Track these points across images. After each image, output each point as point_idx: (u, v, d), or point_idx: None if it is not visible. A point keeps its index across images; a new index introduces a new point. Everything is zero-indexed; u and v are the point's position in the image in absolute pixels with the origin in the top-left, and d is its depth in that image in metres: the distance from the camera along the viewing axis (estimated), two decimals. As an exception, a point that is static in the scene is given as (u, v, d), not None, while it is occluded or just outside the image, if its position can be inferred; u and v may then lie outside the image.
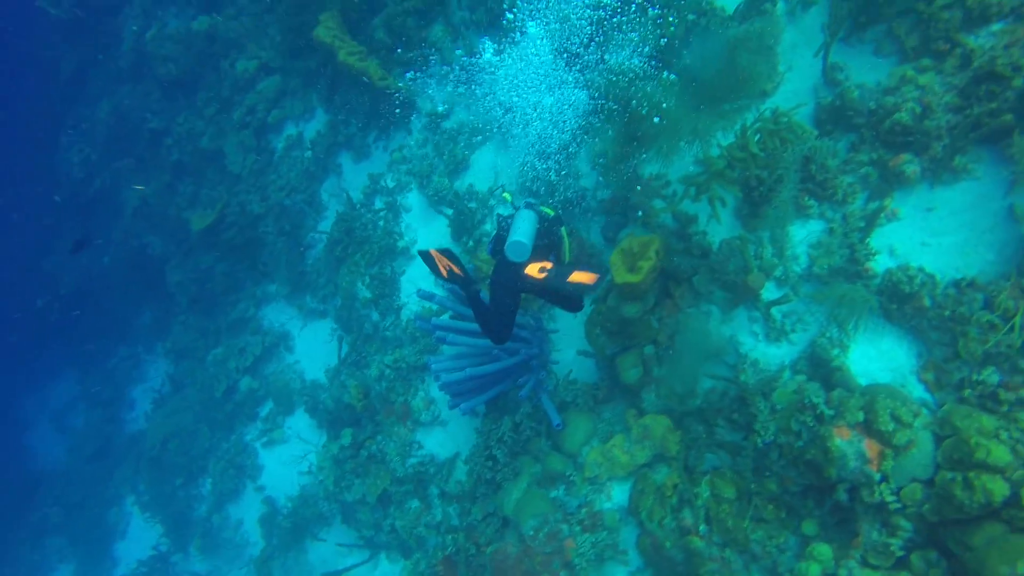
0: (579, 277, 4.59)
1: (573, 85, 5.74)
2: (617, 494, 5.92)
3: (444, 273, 5.23)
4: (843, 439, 4.16)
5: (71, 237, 13.84)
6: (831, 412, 4.30)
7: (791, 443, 4.55)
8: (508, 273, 4.86)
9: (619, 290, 5.53)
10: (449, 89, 8.04)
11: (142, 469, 12.20)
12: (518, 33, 5.83)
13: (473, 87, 6.65)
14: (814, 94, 5.39)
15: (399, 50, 8.37)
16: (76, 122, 13.57)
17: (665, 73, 5.33)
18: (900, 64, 4.90)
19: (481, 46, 6.18)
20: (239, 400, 10.54)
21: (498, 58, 6.01)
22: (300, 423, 9.71)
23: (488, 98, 6.34)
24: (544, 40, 5.71)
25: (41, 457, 17.62)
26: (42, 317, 17.46)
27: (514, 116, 6.12)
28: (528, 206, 5.06)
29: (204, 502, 10.85)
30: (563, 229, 5.35)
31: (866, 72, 5.14)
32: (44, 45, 14.60)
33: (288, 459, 9.49)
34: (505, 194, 5.99)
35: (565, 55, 5.86)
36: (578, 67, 5.82)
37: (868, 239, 4.66)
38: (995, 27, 4.54)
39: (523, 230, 4.79)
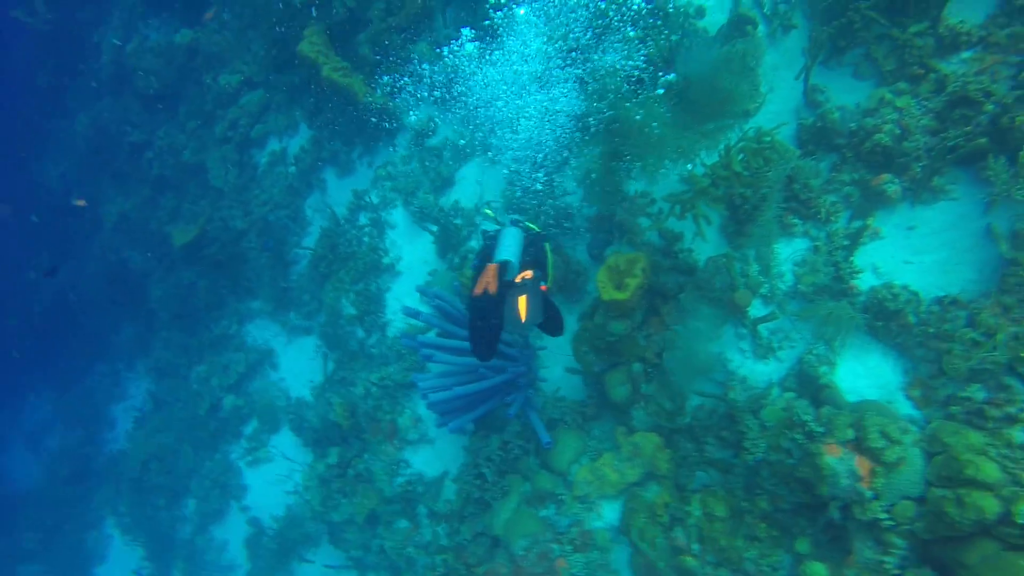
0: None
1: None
2: (608, 513, 5.91)
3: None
4: (834, 456, 4.19)
5: (49, 251, 13.59)
6: (821, 429, 4.33)
7: (782, 460, 4.57)
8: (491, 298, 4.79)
9: (606, 307, 5.55)
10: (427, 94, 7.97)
11: (123, 490, 11.95)
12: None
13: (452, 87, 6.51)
14: (796, 115, 5.47)
15: (383, 66, 8.35)
16: (54, 135, 13.33)
17: (648, 92, 5.38)
18: (878, 87, 4.99)
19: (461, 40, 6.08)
20: (223, 418, 10.38)
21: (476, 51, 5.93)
22: (285, 441, 9.57)
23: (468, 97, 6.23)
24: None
25: (16, 480, 17.17)
26: (17, 334, 17.08)
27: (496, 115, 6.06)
28: (514, 223, 5.04)
29: (188, 523, 10.64)
30: (547, 245, 5.34)
31: (846, 94, 5.23)
32: (20, 57, 14.36)
33: (274, 478, 9.35)
34: (487, 210, 5.98)
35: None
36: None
37: (852, 257, 4.72)
38: (965, 55, 4.67)
39: (510, 249, 4.75)
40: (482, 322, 4.82)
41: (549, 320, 4.96)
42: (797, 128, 5.42)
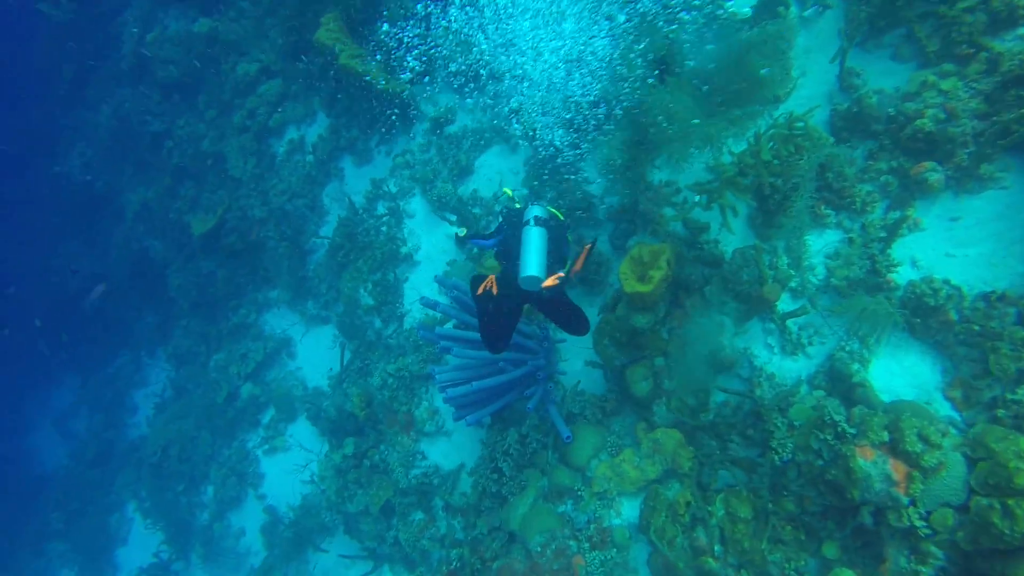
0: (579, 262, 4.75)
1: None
2: (627, 510, 5.76)
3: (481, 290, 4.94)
4: (867, 459, 3.99)
5: (74, 239, 13.76)
6: (853, 430, 4.13)
7: (810, 462, 4.38)
8: (514, 299, 4.65)
9: (629, 300, 5.37)
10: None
11: (143, 475, 12.08)
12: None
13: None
14: (829, 100, 5.22)
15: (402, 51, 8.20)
16: (77, 125, 13.44)
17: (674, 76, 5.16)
18: (920, 69, 4.72)
19: None
20: (241, 407, 10.40)
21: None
22: (302, 431, 9.56)
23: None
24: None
25: (43, 461, 17.57)
26: (45, 320, 17.36)
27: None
28: (537, 222, 4.78)
29: (205, 510, 10.72)
30: (568, 235, 5.18)
31: (883, 78, 4.97)
32: (44, 48, 14.49)
33: (290, 467, 9.35)
34: (507, 189, 5.79)
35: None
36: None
37: (890, 250, 4.48)
38: (1023, 30, 4.36)
39: (534, 260, 4.54)
40: (490, 318, 4.72)
41: (573, 319, 4.80)
42: (831, 114, 5.17)
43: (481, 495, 6.59)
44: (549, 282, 4.51)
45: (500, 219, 5.27)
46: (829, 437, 4.22)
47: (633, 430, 5.91)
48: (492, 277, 4.68)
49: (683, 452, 5.40)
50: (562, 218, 5.03)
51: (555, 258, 4.78)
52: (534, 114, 6.10)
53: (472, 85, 7.85)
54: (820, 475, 4.31)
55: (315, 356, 9.80)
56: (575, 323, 4.84)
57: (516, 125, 6.94)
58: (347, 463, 8.04)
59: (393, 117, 8.52)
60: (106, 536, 12.85)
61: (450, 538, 6.98)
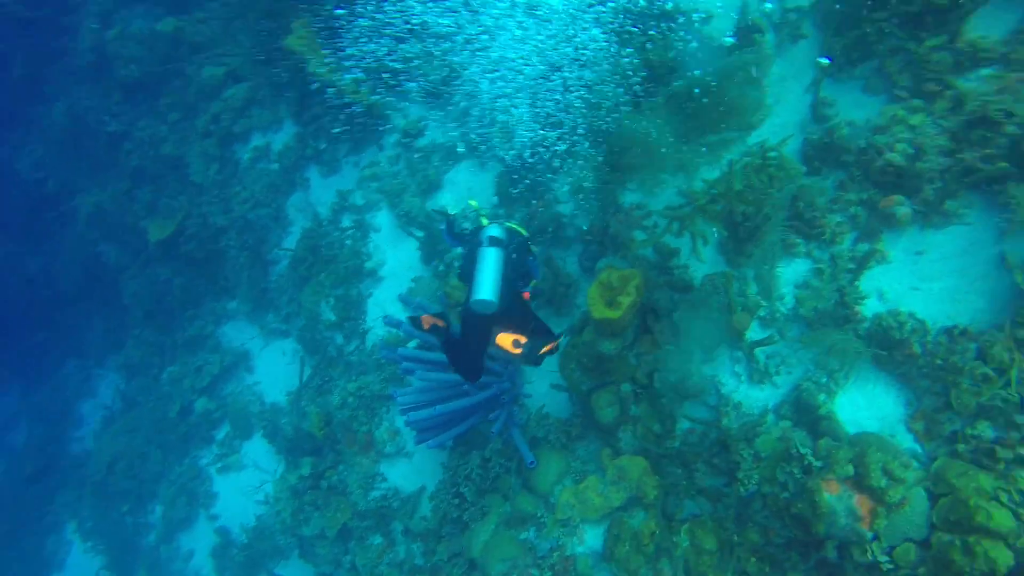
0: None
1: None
2: (590, 538, 5.63)
3: (427, 327, 4.83)
4: (832, 494, 3.94)
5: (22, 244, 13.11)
6: (819, 463, 4.09)
7: (776, 494, 4.33)
8: (477, 321, 4.52)
9: (596, 325, 5.27)
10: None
11: (86, 493, 11.45)
12: None
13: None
14: (802, 129, 5.24)
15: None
16: (29, 120, 12.81)
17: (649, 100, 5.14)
18: (890, 103, 4.78)
19: None
20: (194, 422, 9.98)
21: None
22: (258, 448, 9.19)
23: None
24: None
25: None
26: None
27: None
28: (492, 242, 4.63)
29: (153, 531, 10.20)
30: (534, 249, 5.10)
31: (855, 109, 5.02)
32: (-1, 41, 13.86)
33: (244, 486, 8.96)
34: (472, 202, 5.64)
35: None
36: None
37: (858, 282, 4.49)
38: (985, 71, 4.45)
39: (487, 283, 4.41)
40: (457, 346, 4.60)
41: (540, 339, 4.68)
42: (803, 143, 5.19)
43: (442, 520, 6.38)
44: (509, 337, 4.43)
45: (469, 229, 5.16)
46: (795, 470, 4.17)
47: (598, 456, 5.80)
48: (428, 316, 4.73)
49: (648, 480, 5.30)
50: (524, 233, 4.92)
51: (517, 274, 4.68)
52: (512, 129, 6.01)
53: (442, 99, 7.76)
54: (785, 507, 4.25)
55: (274, 371, 9.46)
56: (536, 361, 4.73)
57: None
58: (304, 484, 7.73)
59: (364, 126, 8.33)
60: (40, 561, 12.10)
61: (409, 564, 6.74)
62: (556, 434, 6.03)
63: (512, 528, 5.94)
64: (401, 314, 7.25)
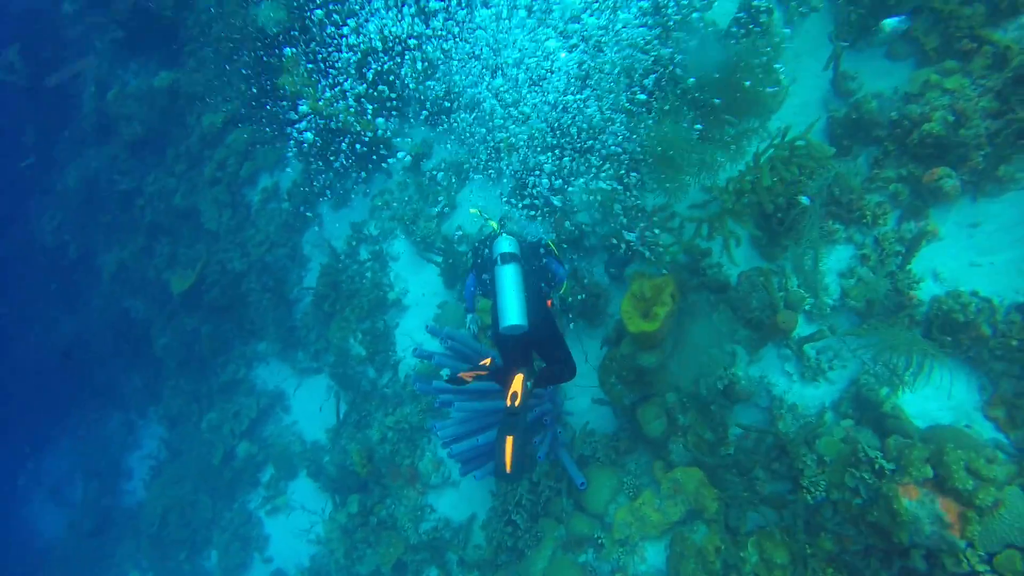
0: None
1: None
2: (652, 555, 5.41)
3: (470, 380, 4.71)
4: (912, 499, 3.67)
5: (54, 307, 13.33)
6: (891, 466, 3.81)
7: (847, 500, 4.06)
8: (513, 344, 4.38)
9: (633, 338, 5.04)
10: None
11: (143, 545, 11.58)
12: None
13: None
14: (824, 106, 4.94)
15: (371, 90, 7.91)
16: (45, 189, 13.00)
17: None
18: (919, 67, 4.44)
19: None
20: (238, 467, 9.98)
21: None
22: (304, 488, 9.15)
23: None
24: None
25: (41, 532, 16.96)
26: (33, 386, 16.90)
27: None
28: (505, 259, 4.43)
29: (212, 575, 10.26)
30: (550, 243, 4.92)
31: (880, 78, 4.70)
32: (4, 114, 14.09)
33: (295, 528, 8.93)
34: (473, 210, 5.48)
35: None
36: None
37: (909, 265, 4.18)
38: (1025, 18, 4.09)
39: (513, 306, 4.24)
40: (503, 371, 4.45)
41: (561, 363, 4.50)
42: (828, 121, 4.89)
43: (496, 549, 6.22)
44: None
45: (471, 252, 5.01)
46: (866, 475, 3.89)
47: (650, 469, 5.58)
48: (464, 373, 4.68)
49: (706, 492, 5.06)
50: (537, 235, 4.74)
51: (541, 280, 4.54)
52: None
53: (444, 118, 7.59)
54: (860, 515, 3.98)
55: (310, 408, 9.40)
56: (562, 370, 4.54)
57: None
58: (353, 522, 7.65)
59: (370, 155, 8.21)
60: (109, 612, 12.33)
61: (470, 593, 6.60)
62: (604, 450, 5.83)
63: (569, 552, 5.77)
64: (429, 344, 7.10)
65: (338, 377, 8.62)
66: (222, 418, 10.36)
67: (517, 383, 4.37)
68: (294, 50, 7.46)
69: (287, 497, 9.27)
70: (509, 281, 4.30)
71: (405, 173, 8.19)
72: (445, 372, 6.59)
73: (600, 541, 5.59)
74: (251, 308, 9.91)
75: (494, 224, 5.19)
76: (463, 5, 5.54)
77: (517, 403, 4.27)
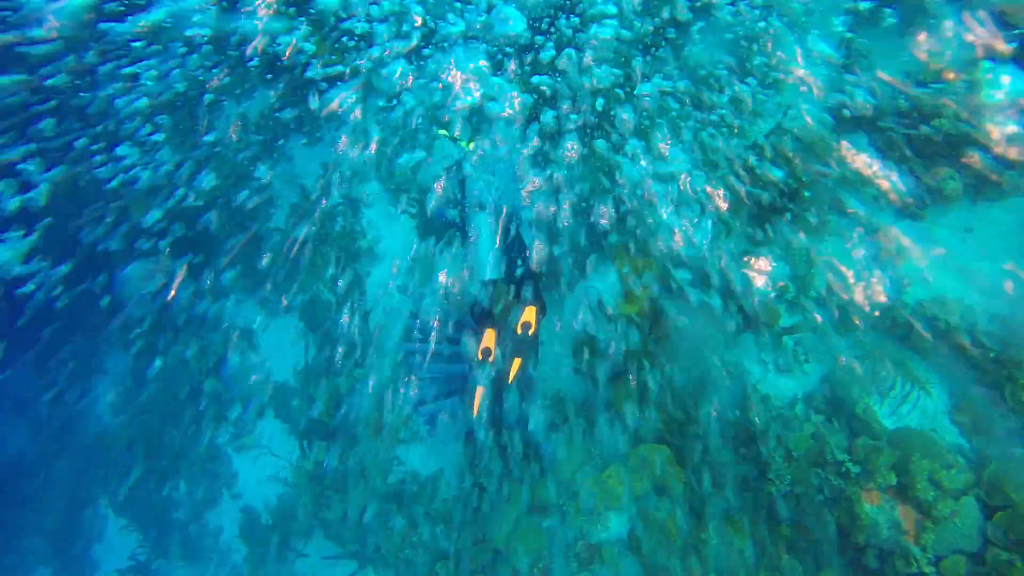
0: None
1: None
2: (614, 525, 5.53)
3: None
4: (873, 504, 3.72)
5: None
6: (857, 469, 3.84)
7: (811, 496, 4.12)
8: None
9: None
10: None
11: (111, 472, 11.66)
12: None
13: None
14: (832, 84, 4.63)
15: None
16: None
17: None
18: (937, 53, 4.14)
19: None
20: (205, 403, 9.89)
21: None
22: (271, 428, 9.13)
23: None
24: None
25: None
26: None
27: None
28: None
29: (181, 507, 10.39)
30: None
31: (891, 59, 4.38)
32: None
33: (262, 467, 8.99)
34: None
35: None
36: None
37: (900, 266, 4.06)
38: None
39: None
40: None
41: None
42: (835, 103, 4.60)
43: (463, 509, 6.31)
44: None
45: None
46: (831, 477, 3.93)
47: (618, 441, 5.60)
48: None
49: (672, 471, 5.12)
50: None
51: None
52: None
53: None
54: (820, 510, 4.05)
55: (278, 348, 9.24)
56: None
57: None
58: (320, 470, 7.69)
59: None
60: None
61: (433, 546, 6.75)
62: (575, 420, 5.83)
63: (535, 516, 5.87)
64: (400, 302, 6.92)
65: (307, 320, 8.42)
66: (189, 352, 10.17)
67: (488, 339, 4.19)
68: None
69: (255, 437, 9.26)
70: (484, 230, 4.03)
71: (381, 114, 7.68)
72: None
73: (565, 508, 5.68)
74: (217, 242, 9.50)
75: (465, 144, 4.71)
76: None
77: (491, 359, 4.11)
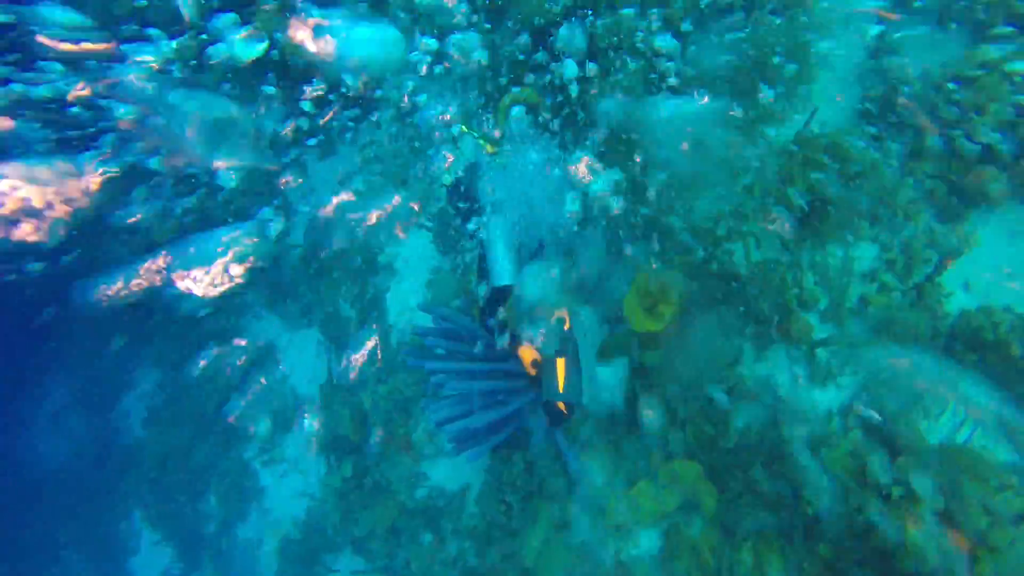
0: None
1: None
2: (645, 541, 5.40)
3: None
4: (920, 529, 3.52)
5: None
6: (901, 491, 3.65)
7: (850, 516, 3.94)
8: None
9: (638, 337, 4.78)
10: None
11: (144, 485, 11.86)
12: None
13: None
14: (859, 81, 4.41)
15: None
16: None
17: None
18: (975, 43, 3.90)
19: None
20: (231, 417, 9.98)
21: None
22: (298, 442, 9.17)
23: None
24: None
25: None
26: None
27: None
28: (498, 208, 3.95)
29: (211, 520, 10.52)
30: None
31: (925, 52, 4.15)
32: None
33: (290, 482, 9.04)
34: (463, 127, 4.94)
35: None
36: None
37: (940, 277, 3.84)
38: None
39: (504, 264, 3.88)
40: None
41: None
42: (860, 98, 4.39)
43: (490, 525, 6.23)
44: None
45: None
46: (873, 498, 3.74)
47: (647, 454, 5.46)
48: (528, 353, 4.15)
49: (703, 487, 4.96)
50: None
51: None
52: None
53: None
54: (863, 532, 3.87)
55: (301, 362, 9.27)
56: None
57: None
58: (347, 485, 7.68)
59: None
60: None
61: (462, 563, 6.69)
62: (601, 434, 5.70)
63: (563, 532, 5.76)
64: (422, 316, 6.84)
65: (329, 335, 8.41)
66: (214, 367, 10.27)
67: (527, 353, 4.10)
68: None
69: (282, 450, 9.31)
70: (496, 232, 3.87)
71: (395, 122, 7.60)
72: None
73: (595, 525, 5.57)
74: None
75: (485, 145, 4.55)
76: None
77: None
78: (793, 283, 4.43)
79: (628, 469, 5.55)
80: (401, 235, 7.22)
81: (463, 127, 4.88)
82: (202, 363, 10.73)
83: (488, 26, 5.03)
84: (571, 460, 5.41)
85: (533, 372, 4.10)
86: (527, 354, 4.20)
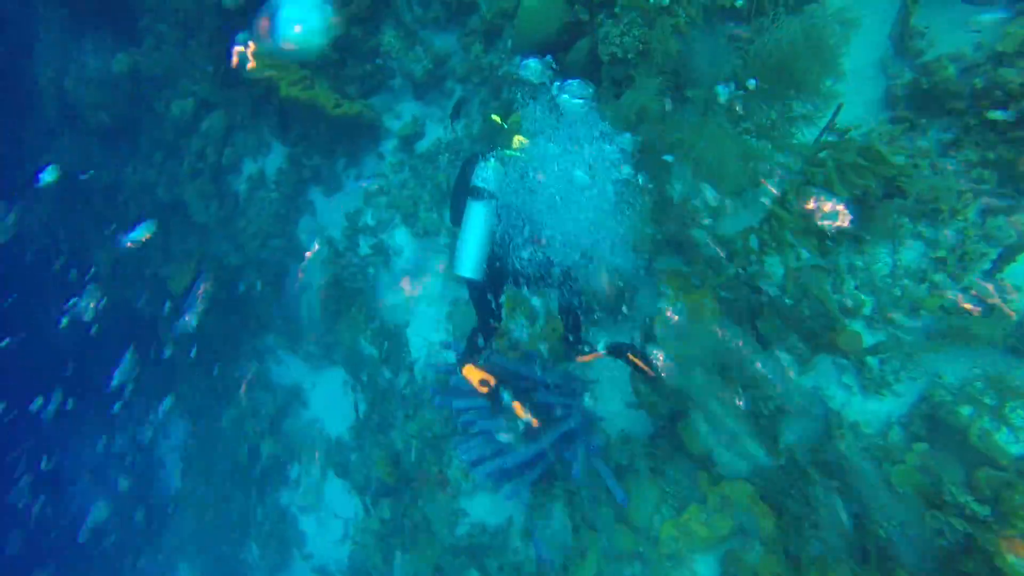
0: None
1: None
2: (703, 568, 5.13)
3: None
4: (1019, 556, 3.23)
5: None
6: (987, 511, 3.36)
7: (929, 539, 3.64)
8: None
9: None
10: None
11: (186, 538, 11.84)
12: None
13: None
14: (882, 69, 4.13)
15: (348, 65, 7.05)
16: (16, 188, 12.13)
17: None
18: (1015, 16, 3.60)
19: None
20: (265, 464, 9.89)
21: None
22: (333, 487, 9.03)
23: None
24: None
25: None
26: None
27: None
28: (477, 194, 3.65)
29: (255, 570, 10.42)
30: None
31: (956, 32, 3.86)
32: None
33: (329, 527, 8.90)
34: (494, 116, 4.68)
35: None
36: None
37: (1000, 273, 3.55)
38: None
39: (469, 254, 3.62)
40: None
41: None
42: (886, 88, 4.11)
43: (537, 560, 6.01)
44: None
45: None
46: (954, 521, 3.45)
47: (693, 479, 5.20)
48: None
49: (759, 508, 4.69)
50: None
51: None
52: None
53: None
54: (946, 557, 3.58)
55: (328, 404, 9.14)
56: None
57: None
58: (386, 528, 7.51)
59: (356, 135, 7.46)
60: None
61: (512, 601, 6.47)
62: (642, 458, 5.46)
63: (614, 564, 5.52)
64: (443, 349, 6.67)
65: (353, 374, 8.28)
66: (242, 414, 10.20)
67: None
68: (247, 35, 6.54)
69: (318, 496, 9.18)
70: (474, 221, 3.59)
71: (398, 153, 7.44)
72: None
73: (646, 555, 5.33)
74: (255, 303, 9.47)
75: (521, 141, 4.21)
76: None
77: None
78: (834, 289, 4.16)
79: (673, 494, 5.30)
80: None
81: (494, 116, 4.67)
82: (232, 410, 10.71)
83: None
84: (615, 488, 5.16)
85: (484, 391, 3.93)
86: (473, 374, 4.02)
